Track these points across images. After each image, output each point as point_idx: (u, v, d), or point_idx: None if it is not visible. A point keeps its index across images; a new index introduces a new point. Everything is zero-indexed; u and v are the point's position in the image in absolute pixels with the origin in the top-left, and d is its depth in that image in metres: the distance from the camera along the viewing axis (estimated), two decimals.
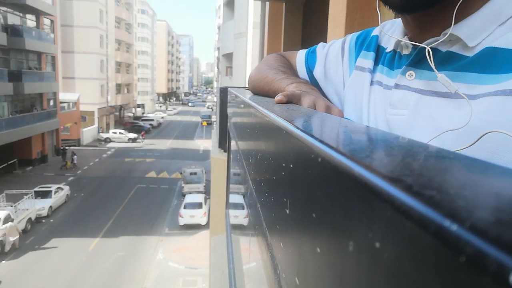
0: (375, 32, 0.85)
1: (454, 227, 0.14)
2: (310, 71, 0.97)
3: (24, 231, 14.27)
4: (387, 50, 0.77)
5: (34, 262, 12.71)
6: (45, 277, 11.90)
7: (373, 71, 0.80)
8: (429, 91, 0.66)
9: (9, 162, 21.67)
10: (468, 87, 0.59)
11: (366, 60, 0.82)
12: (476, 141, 0.52)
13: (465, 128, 0.55)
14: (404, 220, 0.16)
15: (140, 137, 35.29)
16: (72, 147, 29.12)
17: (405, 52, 0.73)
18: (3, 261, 12.66)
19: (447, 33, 0.61)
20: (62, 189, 18.01)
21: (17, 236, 13.57)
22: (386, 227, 0.18)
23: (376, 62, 0.81)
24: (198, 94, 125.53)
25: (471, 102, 0.57)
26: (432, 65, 0.62)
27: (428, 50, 0.63)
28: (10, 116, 21.04)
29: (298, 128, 0.37)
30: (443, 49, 0.64)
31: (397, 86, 0.71)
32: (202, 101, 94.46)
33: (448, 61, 0.63)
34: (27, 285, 11.40)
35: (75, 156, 24.80)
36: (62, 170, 23.49)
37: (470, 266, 0.12)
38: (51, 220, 15.97)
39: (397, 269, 0.17)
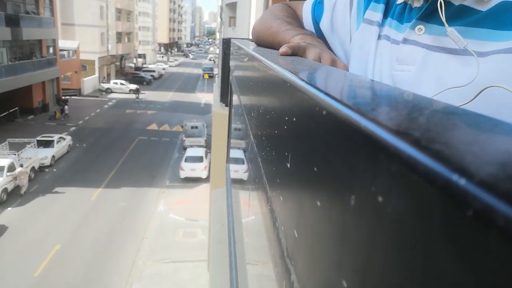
0: None
1: (462, 181, 0.13)
2: (316, 22, 0.94)
3: (28, 180, 14.57)
4: (398, 2, 0.74)
5: (38, 209, 13.07)
6: (50, 224, 12.30)
7: (381, 25, 0.77)
8: (437, 47, 0.64)
9: (10, 111, 21.67)
10: (479, 44, 0.58)
11: (375, 12, 0.79)
12: (475, 97, 0.51)
13: (470, 86, 0.54)
14: (410, 175, 0.16)
15: (136, 93, 32.03)
16: (73, 97, 28.89)
17: (416, 4, 0.70)
18: (9, 208, 13.02)
19: None
20: (64, 139, 18.13)
21: (27, 180, 13.96)
22: (391, 181, 0.18)
23: (386, 15, 0.78)
24: (200, 46, 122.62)
25: (480, 60, 0.56)
26: (443, 18, 0.59)
27: (440, 2, 0.60)
28: (10, 63, 20.73)
29: (302, 80, 0.36)
30: (456, 2, 0.62)
31: (405, 40, 0.69)
32: (205, 53, 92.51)
33: (460, 16, 0.61)
34: (32, 231, 11.81)
35: (66, 106, 23.95)
36: (52, 120, 22.86)
37: (477, 221, 0.12)
38: (54, 170, 16.23)
39: (400, 223, 0.17)
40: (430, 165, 0.15)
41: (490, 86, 0.51)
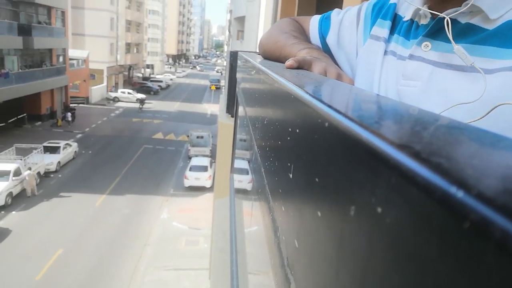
0: (393, 0, 0.82)
1: (460, 193, 0.13)
2: (323, 37, 0.95)
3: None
4: (405, 19, 0.75)
5: (42, 214, 13.11)
6: (53, 228, 12.31)
7: (388, 41, 0.78)
8: (444, 64, 0.64)
9: (18, 117, 21.88)
10: (485, 61, 0.58)
11: (382, 29, 0.80)
12: (487, 114, 0.51)
13: (478, 103, 0.54)
14: (410, 186, 0.16)
15: (140, 103, 30.70)
16: (80, 105, 29.13)
17: (423, 22, 0.71)
18: (14, 212, 13.07)
19: (468, 3, 0.59)
20: (70, 145, 18.25)
21: (35, 183, 14.19)
22: (390, 193, 0.18)
23: (392, 31, 0.78)
24: (207, 58, 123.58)
25: (486, 77, 0.56)
26: (450, 36, 0.60)
27: (447, 20, 0.61)
28: (20, 70, 21.03)
29: (307, 93, 0.36)
30: (463, 20, 0.62)
31: (411, 57, 0.69)
32: (213, 64, 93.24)
33: (467, 34, 0.61)
34: (35, 235, 11.83)
35: (68, 113, 23.84)
36: (54, 127, 22.54)
37: (473, 233, 0.12)
38: (59, 175, 16.31)
39: (398, 234, 0.17)
40: (429, 177, 0.15)
41: (501, 104, 0.51)
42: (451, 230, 0.13)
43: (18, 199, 13.73)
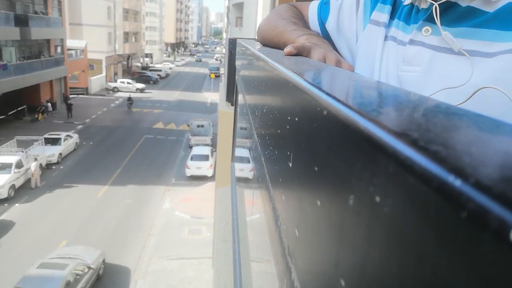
0: None
1: (457, 182, 0.13)
2: (322, 23, 0.94)
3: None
4: (405, 3, 0.74)
5: (45, 206, 13.19)
6: (57, 220, 12.40)
7: (388, 26, 0.77)
8: (444, 48, 0.64)
9: (18, 109, 21.85)
10: (486, 45, 0.58)
11: (382, 13, 0.79)
12: (469, 98, 0.52)
13: (470, 86, 0.54)
14: (407, 175, 0.16)
15: (129, 101, 26.69)
16: (80, 96, 29.00)
17: (423, 6, 0.70)
18: (17, 204, 13.15)
19: None
20: (71, 136, 18.27)
21: (40, 173, 14.34)
22: (388, 182, 0.18)
23: (392, 16, 0.78)
24: (205, 46, 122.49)
25: (487, 60, 0.56)
26: (438, 21, 0.60)
27: (435, 7, 0.61)
28: (18, 62, 20.93)
29: (305, 80, 0.36)
30: (464, 3, 0.62)
31: (412, 42, 0.69)
32: (211, 51, 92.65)
33: (467, 17, 0.61)
34: (39, 227, 11.92)
35: (49, 104, 22.68)
36: (34, 124, 21.10)
37: (471, 222, 0.12)
38: (61, 167, 16.36)
39: (396, 223, 0.17)
40: (426, 165, 0.15)
41: (483, 88, 0.51)
42: (449, 219, 0.13)
43: (21, 191, 13.81)
